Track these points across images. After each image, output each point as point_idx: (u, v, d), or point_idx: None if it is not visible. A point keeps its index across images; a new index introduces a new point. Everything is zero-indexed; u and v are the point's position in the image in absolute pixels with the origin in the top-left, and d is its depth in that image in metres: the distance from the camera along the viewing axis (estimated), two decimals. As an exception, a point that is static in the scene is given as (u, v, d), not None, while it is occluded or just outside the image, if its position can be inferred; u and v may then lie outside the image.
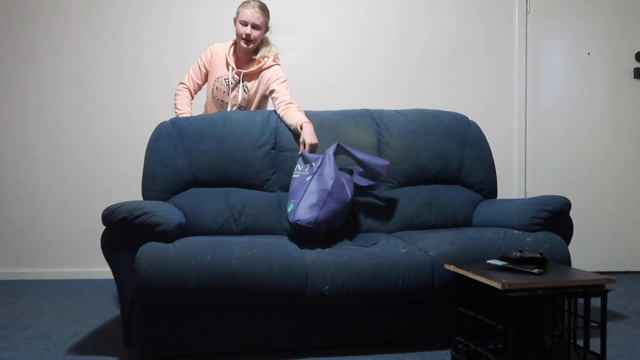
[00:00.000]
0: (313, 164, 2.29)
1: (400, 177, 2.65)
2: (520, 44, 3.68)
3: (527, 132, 3.70)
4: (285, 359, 1.99)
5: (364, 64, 3.65)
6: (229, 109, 2.74)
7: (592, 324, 2.28)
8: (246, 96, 2.73)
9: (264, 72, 2.72)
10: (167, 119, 2.64)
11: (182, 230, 2.27)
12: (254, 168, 2.53)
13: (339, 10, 3.64)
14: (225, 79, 2.72)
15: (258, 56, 2.70)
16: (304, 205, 2.16)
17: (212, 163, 2.50)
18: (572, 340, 1.84)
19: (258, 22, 2.64)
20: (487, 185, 2.73)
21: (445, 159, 2.69)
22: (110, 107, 3.58)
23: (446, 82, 3.70)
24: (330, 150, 2.28)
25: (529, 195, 3.69)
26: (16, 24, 3.55)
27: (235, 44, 2.75)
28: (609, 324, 2.41)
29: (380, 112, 2.76)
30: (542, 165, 3.70)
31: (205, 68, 2.78)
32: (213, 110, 2.84)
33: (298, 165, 2.36)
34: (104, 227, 2.04)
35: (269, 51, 2.71)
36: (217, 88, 2.75)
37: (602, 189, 3.68)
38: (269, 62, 2.72)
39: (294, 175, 2.34)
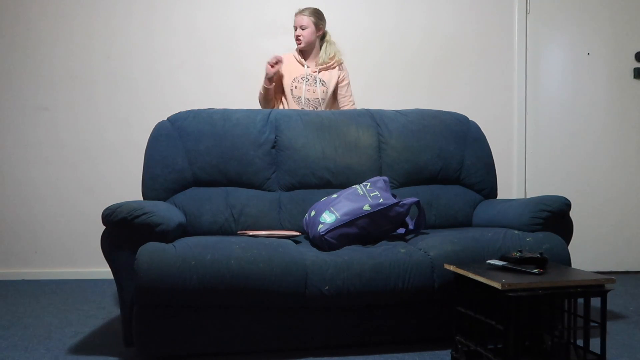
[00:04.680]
0: (379, 194, 2.26)
1: (400, 177, 2.65)
2: (520, 44, 3.68)
3: (527, 132, 3.70)
4: (285, 359, 1.99)
5: (363, 64, 3.65)
6: (306, 101, 3.07)
7: (592, 324, 2.28)
8: (324, 88, 3.08)
9: (339, 66, 3.14)
10: (166, 118, 2.64)
11: (182, 230, 2.27)
12: (253, 167, 2.53)
13: (338, 11, 3.64)
14: (302, 77, 3.06)
15: (321, 60, 3.09)
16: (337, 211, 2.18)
17: (212, 162, 2.50)
18: (572, 340, 1.84)
19: (303, 23, 3.04)
20: (487, 185, 2.73)
21: (445, 159, 2.69)
22: (110, 107, 3.58)
23: (446, 82, 3.70)
24: (408, 200, 2.23)
25: (529, 195, 3.69)
26: (16, 24, 3.55)
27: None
28: (609, 324, 2.41)
29: (380, 112, 2.76)
30: (542, 165, 3.70)
31: (279, 75, 3.08)
32: (292, 107, 3.09)
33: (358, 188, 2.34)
34: (104, 227, 2.04)
35: (330, 55, 3.10)
36: (295, 87, 3.06)
37: (602, 188, 3.68)
38: (335, 62, 3.12)
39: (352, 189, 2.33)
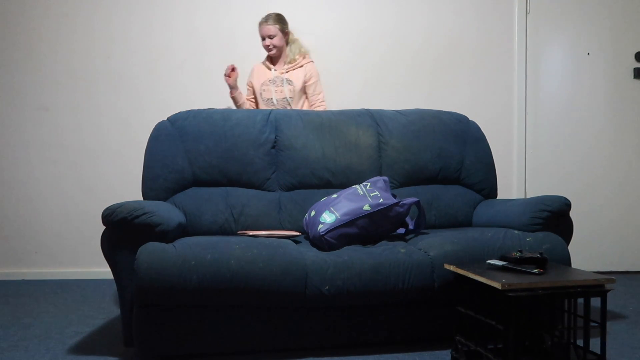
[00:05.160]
0: (379, 194, 2.26)
1: (400, 177, 2.65)
2: (520, 44, 3.68)
3: (527, 132, 3.70)
4: (285, 359, 1.99)
5: (363, 64, 3.65)
6: (275, 102, 3.20)
7: (592, 324, 2.28)
8: (291, 87, 3.19)
9: (305, 65, 3.24)
10: (166, 118, 2.64)
11: (182, 230, 2.27)
12: (253, 167, 2.53)
13: (338, 10, 3.64)
14: (269, 80, 3.20)
15: (289, 59, 3.23)
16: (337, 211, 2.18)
17: (212, 162, 2.50)
18: (572, 340, 1.84)
19: (271, 32, 3.16)
20: (487, 185, 2.73)
21: (445, 159, 2.69)
22: (110, 107, 3.58)
23: (446, 82, 3.70)
24: (408, 200, 2.22)
25: (529, 195, 3.69)
26: (17, 24, 3.55)
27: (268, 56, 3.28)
28: (609, 324, 2.41)
29: (380, 112, 2.76)
30: (542, 165, 3.70)
31: (251, 85, 3.27)
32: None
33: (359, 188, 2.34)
34: (104, 227, 2.04)
35: (297, 53, 3.24)
36: (264, 90, 3.20)
37: (602, 188, 3.68)
38: (303, 60, 3.24)
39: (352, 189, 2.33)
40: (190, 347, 1.95)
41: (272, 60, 3.24)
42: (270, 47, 3.16)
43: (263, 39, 3.18)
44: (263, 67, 3.26)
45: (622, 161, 3.69)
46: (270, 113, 2.66)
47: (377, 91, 3.66)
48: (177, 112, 2.67)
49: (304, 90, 3.22)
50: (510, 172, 3.72)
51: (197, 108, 2.74)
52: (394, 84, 3.67)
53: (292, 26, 3.60)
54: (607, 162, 3.69)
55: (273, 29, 3.15)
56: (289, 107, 3.17)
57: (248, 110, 2.69)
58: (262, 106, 3.22)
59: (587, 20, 3.67)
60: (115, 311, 2.68)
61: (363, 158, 2.62)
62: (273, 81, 3.18)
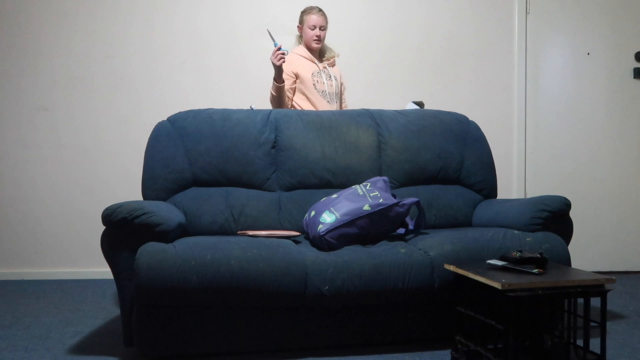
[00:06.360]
0: (379, 194, 2.26)
1: (400, 177, 2.65)
2: (520, 44, 3.68)
3: (527, 132, 3.70)
4: (285, 359, 1.99)
5: (363, 64, 3.65)
6: (328, 95, 3.08)
7: (592, 324, 2.28)
8: (336, 82, 3.13)
9: (336, 65, 3.24)
10: (166, 118, 2.64)
11: (182, 230, 2.27)
12: (253, 167, 2.53)
13: (337, 11, 3.64)
14: (318, 72, 3.08)
15: (328, 55, 3.19)
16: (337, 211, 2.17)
17: (212, 162, 2.50)
18: (572, 340, 1.84)
19: (324, 24, 3.08)
20: (487, 185, 2.73)
21: (445, 159, 2.69)
22: (110, 107, 3.58)
23: (446, 82, 3.70)
24: (408, 200, 2.22)
25: (529, 195, 3.69)
26: (16, 24, 3.55)
27: (307, 47, 3.13)
28: (609, 324, 2.41)
29: (380, 112, 2.76)
30: (542, 165, 3.70)
31: (295, 75, 3.04)
32: (319, 102, 3.05)
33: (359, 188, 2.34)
34: (104, 227, 2.04)
35: (332, 51, 3.22)
36: (317, 82, 3.06)
37: (602, 188, 3.68)
38: (333, 59, 3.21)
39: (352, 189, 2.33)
40: (190, 347, 1.95)
41: (312, 53, 3.11)
42: (319, 37, 3.06)
43: (313, 28, 3.05)
44: (302, 58, 3.09)
45: (622, 161, 3.69)
46: (270, 113, 2.66)
47: (377, 91, 3.66)
48: (177, 112, 2.67)
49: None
50: (510, 172, 3.72)
51: (196, 108, 2.74)
52: (394, 84, 3.67)
53: (291, 26, 3.61)
54: (607, 162, 3.69)
55: (325, 21, 3.07)
56: (336, 102, 3.11)
57: (248, 110, 2.69)
58: (317, 97, 3.03)
59: (587, 20, 3.67)
60: (115, 311, 2.68)
61: (363, 158, 2.62)
62: (320, 74, 3.07)
